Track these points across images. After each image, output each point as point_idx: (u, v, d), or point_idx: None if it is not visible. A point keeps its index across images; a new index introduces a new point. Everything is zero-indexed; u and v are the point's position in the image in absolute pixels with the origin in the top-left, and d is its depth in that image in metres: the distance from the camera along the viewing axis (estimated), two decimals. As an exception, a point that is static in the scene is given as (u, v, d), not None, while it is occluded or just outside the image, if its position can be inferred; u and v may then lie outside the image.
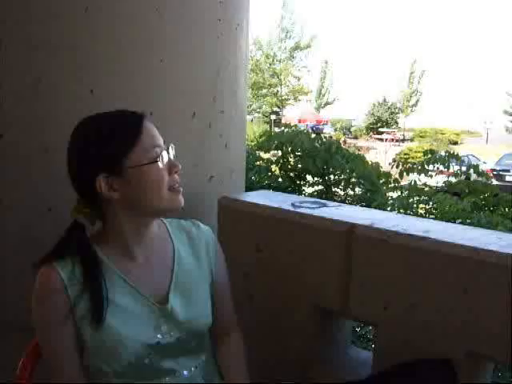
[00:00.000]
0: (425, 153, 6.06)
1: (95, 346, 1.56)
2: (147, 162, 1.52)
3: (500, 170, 22.35)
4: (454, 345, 1.67)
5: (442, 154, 5.81)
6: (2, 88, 2.08)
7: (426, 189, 5.62)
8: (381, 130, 50.10)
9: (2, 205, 2.13)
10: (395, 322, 1.81)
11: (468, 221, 4.52)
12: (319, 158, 5.59)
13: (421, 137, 46.70)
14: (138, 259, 1.62)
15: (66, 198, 1.62)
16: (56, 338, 1.56)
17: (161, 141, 1.59)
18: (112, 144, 1.51)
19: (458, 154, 5.86)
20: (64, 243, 1.57)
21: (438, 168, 5.72)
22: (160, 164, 1.54)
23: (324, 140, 6.14)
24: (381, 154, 27.15)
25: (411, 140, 46.99)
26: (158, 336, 1.59)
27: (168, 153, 1.59)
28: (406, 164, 5.66)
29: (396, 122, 54.39)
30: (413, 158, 21.77)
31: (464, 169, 6.00)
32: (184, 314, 1.63)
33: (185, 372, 1.64)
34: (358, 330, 3.97)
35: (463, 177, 5.93)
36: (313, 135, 6.49)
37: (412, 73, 53.20)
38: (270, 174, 5.94)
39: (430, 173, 5.72)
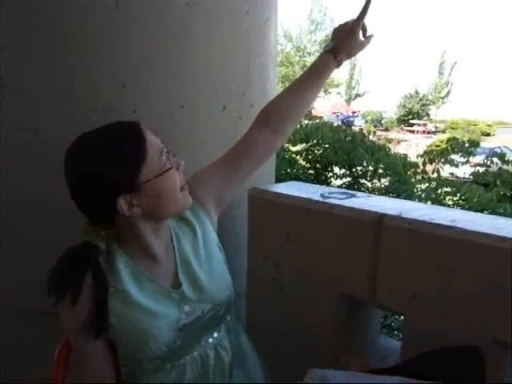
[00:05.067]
0: (447, 141, 5.98)
1: (125, 345, 1.62)
2: (161, 171, 1.51)
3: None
4: (481, 333, 1.68)
5: (463, 139, 5.76)
6: (39, 83, 2.13)
7: (457, 180, 5.58)
8: (412, 121, 49.68)
9: (36, 198, 2.19)
10: (422, 311, 1.82)
11: (493, 211, 4.48)
12: (342, 150, 5.59)
13: (452, 128, 46.12)
14: (158, 256, 1.64)
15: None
16: (83, 337, 1.57)
17: (160, 142, 1.56)
18: (124, 164, 1.46)
19: (478, 142, 5.80)
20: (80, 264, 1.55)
21: (464, 157, 5.65)
22: (174, 169, 1.55)
23: (348, 132, 6.12)
24: (412, 146, 26.92)
25: (443, 132, 46.43)
26: (183, 317, 1.63)
27: (168, 152, 1.57)
28: (430, 154, 5.60)
29: (427, 114, 53.87)
30: (444, 150, 21.49)
31: (496, 160, 5.91)
32: (197, 291, 1.67)
33: (210, 340, 1.70)
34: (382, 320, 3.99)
35: (495, 167, 5.87)
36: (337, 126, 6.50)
37: (442, 63, 52.63)
38: (293, 165, 5.91)
39: (455, 162, 5.66)
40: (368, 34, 1.92)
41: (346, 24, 1.88)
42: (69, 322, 1.58)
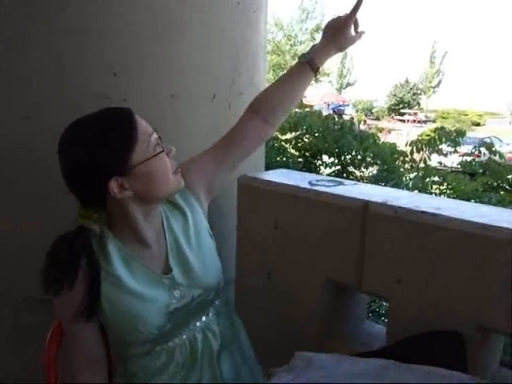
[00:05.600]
0: (435, 130, 6.02)
1: (116, 329, 1.66)
2: (153, 154, 1.53)
3: (523, 151, 22.04)
4: (464, 319, 1.72)
5: (451, 129, 5.80)
6: (30, 72, 2.15)
7: (446, 169, 5.62)
8: (402, 111, 49.73)
9: (31, 187, 2.21)
10: (407, 297, 1.85)
11: (479, 200, 4.53)
12: (330, 138, 5.60)
13: (443, 118, 46.23)
14: (148, 241, 1.67)
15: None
16: (76, 321, 1.62)
17: (150, 127, 1.58)
18: (115, 148, 1.49)
19: (465, 132, 5.84)
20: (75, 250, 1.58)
21: (451, 147, 5.69)
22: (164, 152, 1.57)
23: (336, 120, 6.11)
24: (403, 135, 26.97)
25: (433, 121, 46.45)
26: (173, 301, 1.66)
27: (160, 137, 1.60)
28: (418, 143, 5.63)
29: (418, 103, 53.91)
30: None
31: (483, 150, 5.97)
32: (187, 276, 1.70)
33: (197, 323, 1.74)
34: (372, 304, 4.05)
35: (485, 157, 5.91)
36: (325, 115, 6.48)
37: (433, 53, 52.64)
38: (282, 153, 5.91)
39: (444, 152, 5.70)
40: (360, 30, 1.94)
41: (338, 18, 1.90)
42: (63, 307, 1.62)
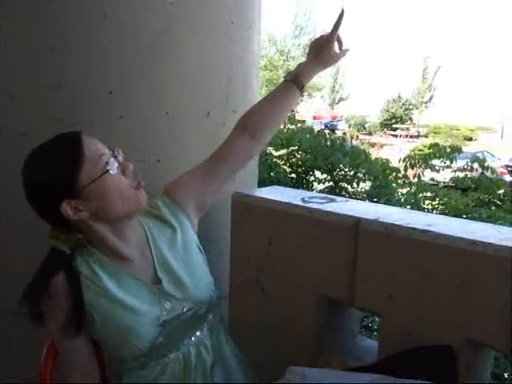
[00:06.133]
0: (429, 147, 6.05)
1: (109, 343, 1.69)
2: (99, 174, 1.55)
3: (514, 166, 22.13)
4: (454, 333, 1.74)
5: (445, 145, 5.83)
6: (27, 88, 2.17)
7: (440, 185, 5.64)
8: (395, 126, 49.83)
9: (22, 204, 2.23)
10: (399, 312, 1.87)
11: (469, 215, 4.56)
12: (320, 155, 5.62)
13: (435, 133, 46.32)
14: (130, 257, 1.70)
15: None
16: (63, 334, 1.66)
17: (105, 149, 1.60)
18: (61, 171, 1.53)
19: (460, 148, 5.87)
20: (50, 268, 1.63)
21: (444, 163, 5.71)
22: (111, 171, 1.57)
23: (327, 136, 6.12)
24: (395, 150, 27.05)
25: (425, 136, 46.58)
26: (164, 313, 1.68)
27: (116, 157, 1.61)
28: (411, 159, 5.66)
29: (410, 119, 54.00)
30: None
31: (475, 165, 6.00)
32: (177, 289, 1.73)
33: (192, 338, 1.76)
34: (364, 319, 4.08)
35: (477, 172, 5.94)
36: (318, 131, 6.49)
37: (425, 68, 52.82)
38: (275, 170, 5.92)
39: (436, 167, 5.73)
40: (344, 47, 1.99)
41: (321, 37, 1.96)
42: (53, 327, 1.66)
